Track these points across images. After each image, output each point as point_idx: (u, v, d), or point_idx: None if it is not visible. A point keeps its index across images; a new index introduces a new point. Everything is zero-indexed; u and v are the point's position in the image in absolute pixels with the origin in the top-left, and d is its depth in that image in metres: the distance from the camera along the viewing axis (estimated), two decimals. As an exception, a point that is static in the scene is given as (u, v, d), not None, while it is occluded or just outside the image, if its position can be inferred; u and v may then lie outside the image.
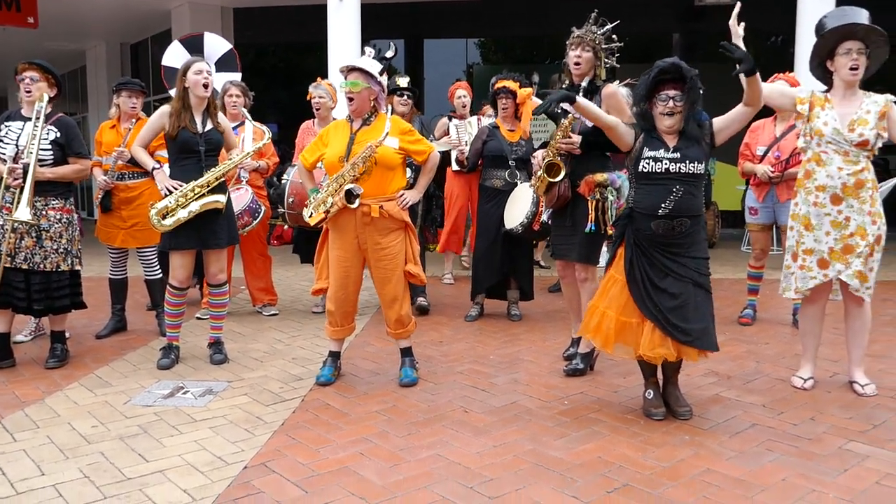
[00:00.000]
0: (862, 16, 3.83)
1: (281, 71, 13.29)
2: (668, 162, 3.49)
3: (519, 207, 5.14)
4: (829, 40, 3.86)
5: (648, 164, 3.53)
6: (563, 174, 4.22)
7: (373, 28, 9.09)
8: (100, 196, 5.38)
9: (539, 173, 4.34)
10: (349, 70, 4.11)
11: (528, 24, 11.73)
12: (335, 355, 4.40)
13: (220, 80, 5.01)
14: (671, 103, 3.49)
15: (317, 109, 5.88)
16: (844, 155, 3.85)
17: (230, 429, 3.60)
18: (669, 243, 3.55)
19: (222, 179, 4.58)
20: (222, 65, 5.58)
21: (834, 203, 3.88)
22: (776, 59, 10.80)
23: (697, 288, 3.55)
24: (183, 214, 4.42)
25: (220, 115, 4.72)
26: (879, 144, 3.88)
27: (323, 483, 3.03)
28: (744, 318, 5.64)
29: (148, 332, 5.55)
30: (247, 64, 12.77)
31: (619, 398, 4.00)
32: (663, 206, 3.49)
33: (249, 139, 5.81)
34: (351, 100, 4.09)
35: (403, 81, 6.16)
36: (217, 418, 3.76)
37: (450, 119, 6.90)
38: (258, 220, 5.64)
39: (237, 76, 6.18)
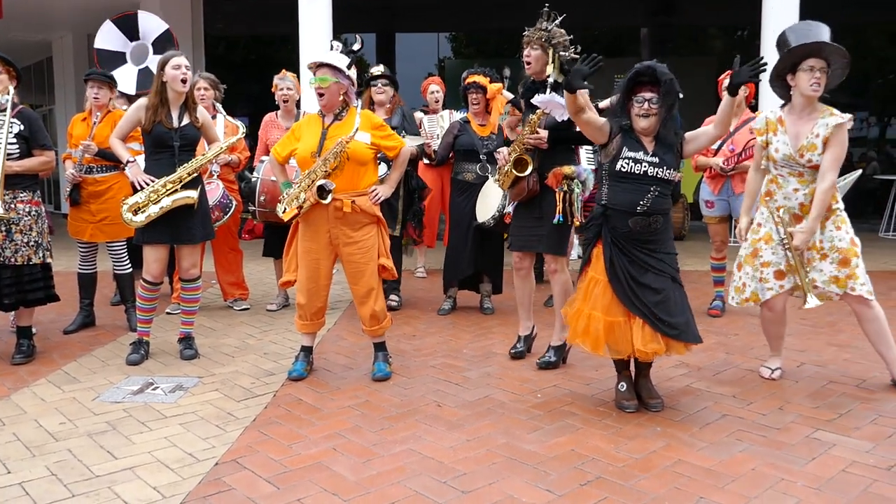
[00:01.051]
0: (825, 32, 3.85)
1: (252, 63, 13.17)
2: (647, 165, 3.54)
3: (490, 201, 5.15)
4: (794, 56, 3.85)
5: (628, 164, 3.55)
6: (530, 168, 4.25)
7: (344, 22, 9.03)
8: (69, 189, 5.29)
9: (506, 168, 4.35)
10: (317, 66, 4.10)
11: (499, 18, 11.72)
12: (307, 350, 4.37)
13: (156, 62, 4.83)
14: (647, 105, 3.52)
15: (284, 102, 5.83)
16: (799, 176, 3.92)
17: (201, 425, 3.57)
18: (646, 240, 3.58)
19: (196, 175, 4.52)
20: (160, 46, 5.37)
21: (795, 222, 3.94)
22: (743, 51, 10.92)
23: (674, 282, 3.61)
24: (154, 210, 4.37)
25: (201, 109, 4.66)
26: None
27: (295, 479, 3.01)
28: (713, 309, 5.71)
29: (117, 328, 5.47)
30: (217, 56, 12.71)
31: (592, 391, 4.03)
32: (641, 203, 3.52)
33: (221, 133, 5.75)
34: (321, 95, 4.07)
35: (377, 70, 6.00)
36: (187, 414, 3.72)
37: (425, 113, 6.88)
38: (229, 214, 5.58)
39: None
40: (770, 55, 7.23)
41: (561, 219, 4.22)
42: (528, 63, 4.25)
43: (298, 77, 6.22)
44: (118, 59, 5.67)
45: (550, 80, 4.11)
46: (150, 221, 4.39)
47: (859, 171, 9.36)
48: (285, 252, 4.32)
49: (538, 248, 4.41)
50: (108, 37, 5.86)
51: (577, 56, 4.12)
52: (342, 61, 4.09)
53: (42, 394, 4.04)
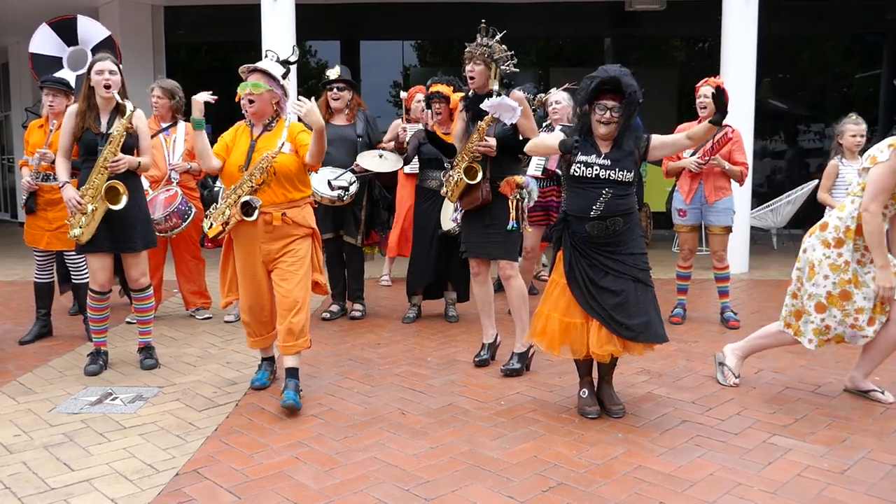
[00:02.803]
0: None
1: (215, 70, 13.04)
2: (598, 168, 3.56)
3: (454, 209, 5.17)
4: None
5: (580, 168, 3.59)
6: (480, 176, 4.32)
7: (307, 29, 9.00)
8: (25, 197, 5.19)
9: (455, 177, 4.41)
10: (250, 71, 3.97)
11: (464, 27, 11.76)
12: (269, 360, 4.32)
13: None
14: (608, 114, 3.56)
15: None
16: None
17: (161, 435, 3.52)
18: (606, 242, 3.61)
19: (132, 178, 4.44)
20: (101, 52, 5.28)
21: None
22: (704, 63, 11.10)
23: (637, 283, 3.62)
24: (84, 221, 4.33)
25: (138, 115, 4.47)
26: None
27: (257, 489, 2.98)
28: (674, 317, 5.78)
29: (74, 338, 5.37)
30: (178, 63, 12.56)
31: (555, 397, 4.06)
32: (594, 208, 3.55)
33: (181, 139, 5.69)
34: (251, 102, 3.92)
35: (333, 73, 5.76)
36: (147, 425, 3.67)
37: (406, 121, 6.75)
38: (188, 221, 5.52)
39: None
40: (729, 66, 7.36)
41: (515, 225, 4.34)
42: (472, 78, 4.35)
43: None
44: (54, 64, 5.50)
45: (495, 91, 4.22)
46: (89, 230, 4.34)
47: (815, 182, 9.58)
48: (221, 271, 4.14)
49: (493, 256, 4.47)
50: (43, 41, 5.63)
51: (517, 70, 4.34)
52: (277, 70, 4.00)
53: (-4, 405, 3.96)
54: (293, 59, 4.21)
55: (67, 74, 5.88)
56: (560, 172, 4.87)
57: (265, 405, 3.94)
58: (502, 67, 4.27)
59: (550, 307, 3.72)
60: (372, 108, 6.31)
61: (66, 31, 5.48)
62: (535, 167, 5.69)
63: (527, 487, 2.99)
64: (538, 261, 6.99)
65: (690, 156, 5.53)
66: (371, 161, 5.69)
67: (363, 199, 5.78)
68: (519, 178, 4.35)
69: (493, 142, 4.31)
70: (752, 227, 5.83)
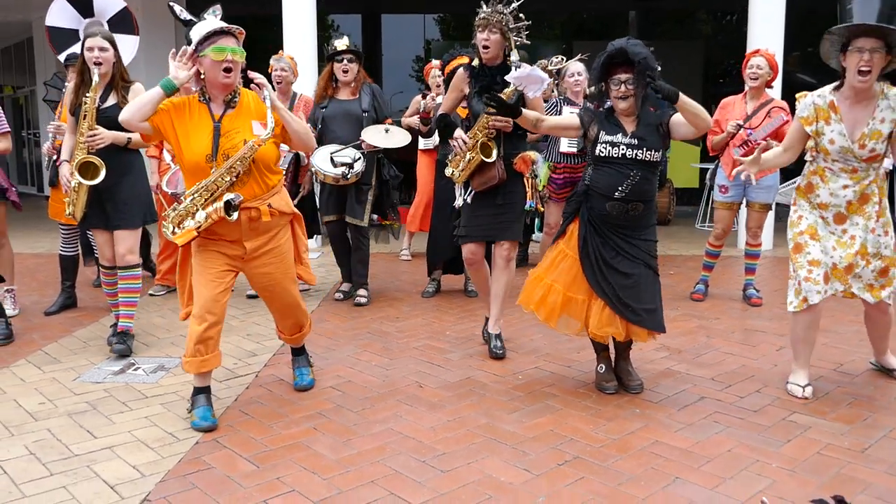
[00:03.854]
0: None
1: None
2: (625, 147, 3.51)
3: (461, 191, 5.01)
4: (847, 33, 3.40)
5: (605, 148, 3.54)
6: (495, 153, 4.08)
7: (329, 3, 8.96)
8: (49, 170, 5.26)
9: (468, 155, 4.14)
10: (216, 33, 3.24)
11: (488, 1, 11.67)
12: (207, 390, 3.44)
13: (118, 42, 4.48)
14: (623, 87, 3.50)
15: (278, 83, 5.73)
16: (852, 172, 3.52)
17: (182, 405, 3.56)
18: (623, 225, 3.57)
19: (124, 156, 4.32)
20: (116, 25, 5.04)
21: (837, 222, 3.59)
22: (731, 36, 10.91)
23: (648, 269, 3.60)
24: (73, 196, 4.28)
25: (136, 89, 4.30)
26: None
27: (275, 458, 3.02)
28: (696, 293, 5.73)
29: (99, 309, 5.44)
30: (201, 37, 12.59)
31: (573, 373, 4.05)
32: (620, 188, 3.50)
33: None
34: (229, 71, 3.25)
35: (341, 43, 5.38)
36: (169, 394, 3.72)
37: (423, 96, 6.73)
38: None
39: (134, 39, 5.38)
40: (756, 40, 7.18)
41: (532, 204, 4.21)
42: (486, 48, 4.03)
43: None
44: (71, 36, 5.46)
45: (515, 63, 3.97)
46: (92, 206, 4.32)
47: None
48: (180, 278, 3.58)
49: (502, 237, 4.23)
50: (60, 13, 5.49)
51: (528, 42, 4.11)
52: (235, 30, 3.33)
53: (22, 374, 4.03)
54: (218, 14, 3.52)
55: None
56: None
57: (284, 376, 3.97)
58: (514, 38, 4.04)
59: (555, 278, 3.68)
60: (394, 82, 6.29)
61: (82, 3, 5.44)
62: (567, 144, 5.62)
63: (542, 461, 3.00)
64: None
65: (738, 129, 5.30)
66: (376, 136, 5.32)
67: (371, 178, 5.46)
68: (533, 154, 4.21)
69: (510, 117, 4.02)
70: (778, 204, 5.74)
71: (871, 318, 3.81)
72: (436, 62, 6.94)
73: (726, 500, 2.70)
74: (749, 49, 7.33)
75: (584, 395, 3.71)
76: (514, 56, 4.04)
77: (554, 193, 5.76)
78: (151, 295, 5.78)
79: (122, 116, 3.28)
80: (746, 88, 5.41)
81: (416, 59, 12.64)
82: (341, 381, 3.92)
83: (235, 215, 3.20)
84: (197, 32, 3.27)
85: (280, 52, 5.95)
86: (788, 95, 5.39)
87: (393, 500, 2.70)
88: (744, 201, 5.58)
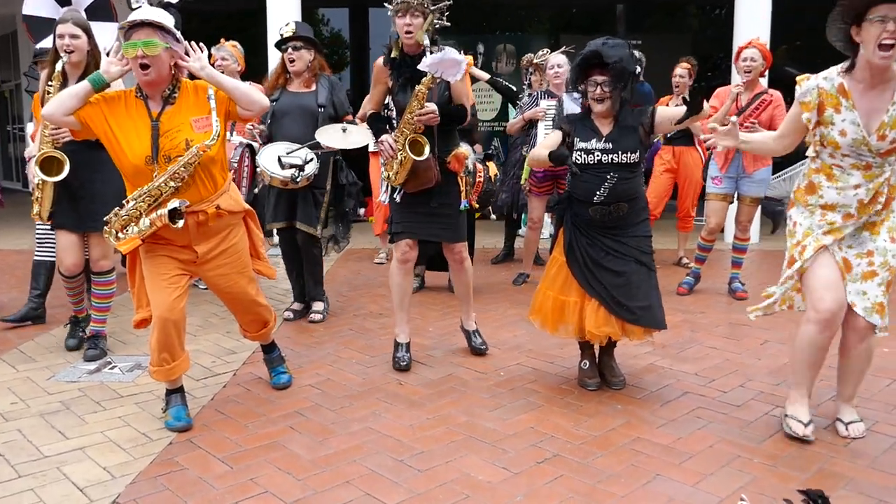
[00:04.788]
0: None
1: (217, 41, 12.94)
2: (599, 153, 3.44)
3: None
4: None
5: (581, 155, 3.46)
6: (427, 150, 3.73)
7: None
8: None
9: (398, 157, 3.79)
10: (133, 26, 3.03)
11: (474, -7, 11.61)
12: (180, 391, 3.37)
13: (93, 30, 4.24)
14: (599, 90, 3.41)
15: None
16: (865, 169, 2.95)
17: (157, 404, 3.49)
18: (611, 225, 3.51)
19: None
20: (94, 13, 4.88)
21: (846, 219, 3.03)
22: (719, 30, 10.87)
23: (640, 266, 3.53)
24: (38, 194, 4.05)
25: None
26: None
27: (250, 458, 2.96)
28: (682, 287, 5.70)
29: (77, 307, 5.36)
30: (192, 31, 12.49)
31: (555, 369, 4.01)
32: (598, 193, 3.44)
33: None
34: (146, 67, 3.02)
35: (287, 29, 4.76)
36: (144, 394, 3.66)
37: None
38: None
39: (112, 26, 5.07)
40: (743, 33, 7.13)
41: (467, 205, 4.02)
42: (409, 33, 3.70)
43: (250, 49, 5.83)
44: (49, 25, 5.39)
45: (427, 47, 3.68)
46: (57, 205, 4.07)
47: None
48: (129, 283, 3.36)
49: (448, 239, 4.02)
50: (37, 2, 5.37)
51: (448, 24, 3.77)
52: (167, 18, 3.11)
53: (-5, 373, 3.96)
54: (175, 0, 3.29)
55: None
56: None
57: (263, 374, 3.90)
58: (434, 22, 3.69)
59: (548, 285, 3.65)
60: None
61: None
62: (543, 133, 5.57)
63: (522, 459, 2.95)
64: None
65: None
66: (332, 136, 4.64)
67: (326, 181, 4.85)
68: (466, 151, 4.01)
69: (433, 106, 3.71)
70: (765, 197, 5.68)
71: (850, 347, 3.16)
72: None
73: (707, 496, 2.66)
74: (736, 42, 7.30)
75: (565, 392, 3.67)
76: (424, 40, 3.68)
77: (535, 187, 5.72)
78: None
79: (44, 111, 3.11)
80: (740, 81, 5.26)
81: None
82: (321, 379, 3.87)
83: (181, 223, 3.04)
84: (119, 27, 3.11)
85: (222, 40, 5.66)
86: (778, 89, 5.33)
87: (368, 500, 2.65)
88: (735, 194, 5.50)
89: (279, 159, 4.57)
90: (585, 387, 3.69)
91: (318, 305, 5.04)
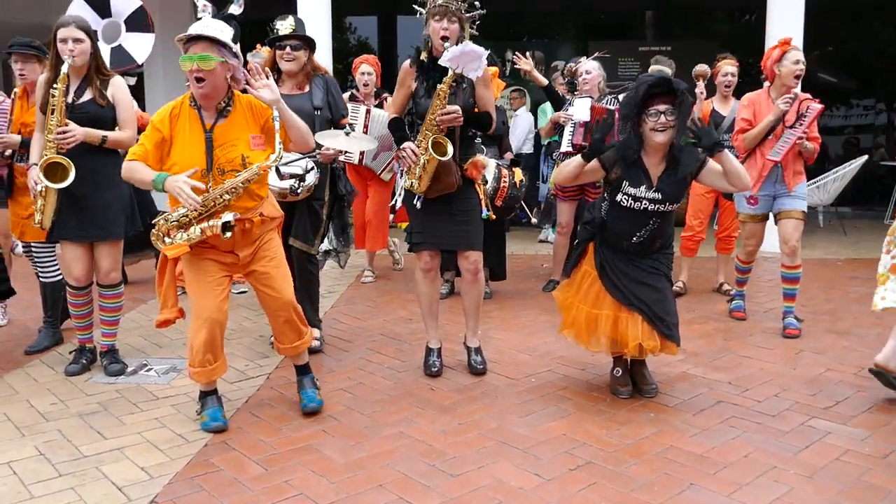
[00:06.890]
0: None
1: (250, 48, 13.06)
2: (647, 202, 3.42)
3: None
4: None
5: (627, 200, 3.44)
6: (450, 150, 3.66)
7: (344, 3, 8.94)
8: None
9: (421, 160, 3.70)
10: (190, 39, 3.11)
11: (501, 2, 11.62)
12: (215, 393, 3.43)
13: (131, 41, 4.27)
14: (662, 118, 3.30)
15: None
16: None
17: (193, 406, 3.54)
18: (642, 254, 3.55)
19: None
20: (132, 24, 4.80)
21: None
22: (749, 36, 10.79)
23: (668, 282, 3.58)
24: (40, 203, 3.84)
25: (117, 83, 3.96)
26: None
27: (284, 461, 2.99)
28: (736, 311, 5.19)
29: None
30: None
31: (587, 376, 4.00)
32: (638, 234, 3.47)
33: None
34: (201, 81, 3.08)
35: (284, 27, 4.23)
36: (180, 395, 3.71)
37: (353, 100, 5.96)
38: None
39: (149, 37, 4.97)
40: (775, 40, 7.09)
41: (486, 213, 3.98)
42: (446, 38, 3.64)
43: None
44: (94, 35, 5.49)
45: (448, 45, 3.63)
46: (61, 214, 3.85)
47: (865, 157, 9.28)
48: (157, 283, 3.36)
49: (466, 247, 3.90)
50: (77, 12, 5.56)
51: (476, 34, 3.81)
52: (226, 33, 3.14)
53: (35, 374, 4.03)
54: (237, 10, 3.33)
55: (102, 48, 5.83)
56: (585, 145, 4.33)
57: (296, 378, 3.94)
58: (468, 29, 3.67)
59: (581, 299, 3.63)
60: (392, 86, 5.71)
61: (100, 4, 5.36)
62: (566, 143, 5.56)
63: (554, 465, 2.95)
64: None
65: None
66: (336, 140, 4.20)
67: (324, 192, 4.37)
68: (483, 160, 3.95)
69: (455, 108, 3.65)
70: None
71: None
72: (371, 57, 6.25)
73: (742, 507, 2.64)
74: (768, 48, 7.21)
75: (597, 399, 3.66)
76: (447, 44, 3.63)
77: (561, 192, 5.73)
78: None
79: (122, 175, 3.24)
80: (771, 84, 4.83)
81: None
82: (352, 383, 3.89)
83: (229, 234, 3.10)
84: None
85: (258, 46, 5.52)
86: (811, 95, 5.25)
87: (401, 504, 2.66)
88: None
89: (277, 169, 4.07)
90: (617, 394, 3.68)
91: (314, 333, 4.24)
